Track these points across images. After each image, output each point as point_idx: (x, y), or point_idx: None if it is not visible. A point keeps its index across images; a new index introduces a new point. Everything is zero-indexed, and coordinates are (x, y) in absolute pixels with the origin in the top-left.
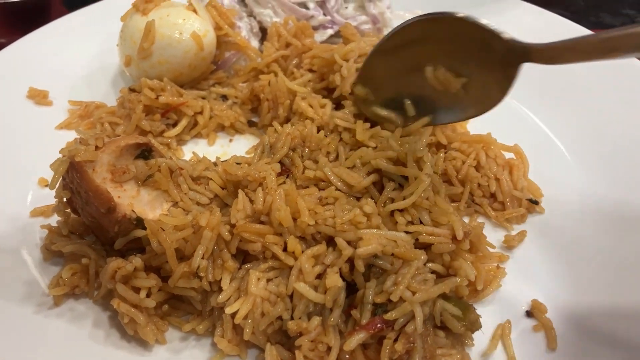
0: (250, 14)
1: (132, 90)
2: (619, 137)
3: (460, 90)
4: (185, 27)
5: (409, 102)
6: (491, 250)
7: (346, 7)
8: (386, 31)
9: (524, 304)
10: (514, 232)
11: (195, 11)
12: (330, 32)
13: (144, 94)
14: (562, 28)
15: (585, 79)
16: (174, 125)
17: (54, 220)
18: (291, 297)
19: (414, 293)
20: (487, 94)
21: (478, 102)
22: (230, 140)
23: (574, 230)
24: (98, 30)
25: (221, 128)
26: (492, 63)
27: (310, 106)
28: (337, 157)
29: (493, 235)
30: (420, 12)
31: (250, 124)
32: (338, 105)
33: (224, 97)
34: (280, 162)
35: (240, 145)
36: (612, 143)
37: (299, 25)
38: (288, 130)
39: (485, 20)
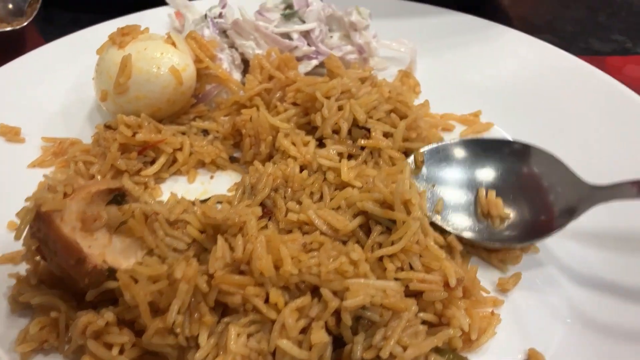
0: (232, 45)
1: (107, 127)
2: (617, 172)
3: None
4: (163, 62)
5: (441, 199)
6: (485, 295)
7: (331, 37)
8: (372, 61)
9: (521, 353)
10: (508, 274)
11: (174, 44)
12: (314, 62)
13: (120, 132)
14: (551, 56)
15: (579, 113)
16: (152, 162)
17: (24, 267)
18: (274, 353)
19: (405, 348)
20: (530, 229)
21: (516, 234)
22: (211, 177)
23: (570, 271)
24: (75, 62)
25: (202, 164)
26: (555, 202)
27: (293, 144)
28: (321, 198)
29: (486, 277)
30: (406, 42)
31: (232, 159)
32: (321, 142)
33: (205, 132)
34: (262, 203)
35: (222, 182)
36: (608, 178)
37: (282, 57)
38: (270, 171)
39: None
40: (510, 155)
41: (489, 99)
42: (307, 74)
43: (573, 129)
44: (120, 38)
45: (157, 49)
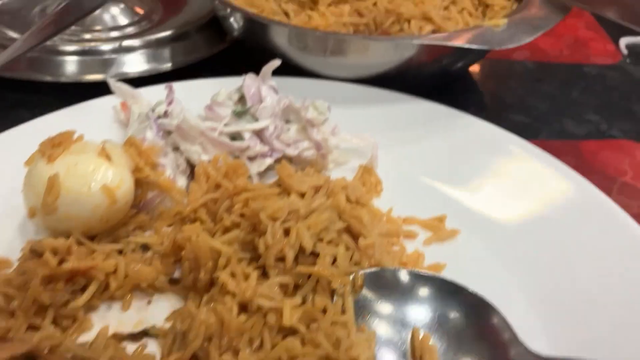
0: (177, 148)
1: (33, 251)
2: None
3: None
4: (95, 179)
5: (374, 332)
6: None
7: (288, 129)
8: (330, 157)
9: None
10: None
11: (108, 156)
12: (269, 161)
13: (44, 261)
14: (523, 154)
15: (552, 222)
16: (83, 289)
17: None
18: None
19: None
20: None
21: None
22: (149, 302)
23: None
24: (7, 164)
25: (139, 287)
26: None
27: (233, 275)
28: (262, 344)
29: None
30: (367, 136)
31: (173, 281)
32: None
33: (145, 247)
34: (194, 355)
35: (160, 308)
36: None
37: (230, 164)
38: (202, 317)
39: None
40: (456, 302)
41: (456, 200)
42: (260, 173)
43: (545, 238)
44: (50, 150)
45: (89, 164)
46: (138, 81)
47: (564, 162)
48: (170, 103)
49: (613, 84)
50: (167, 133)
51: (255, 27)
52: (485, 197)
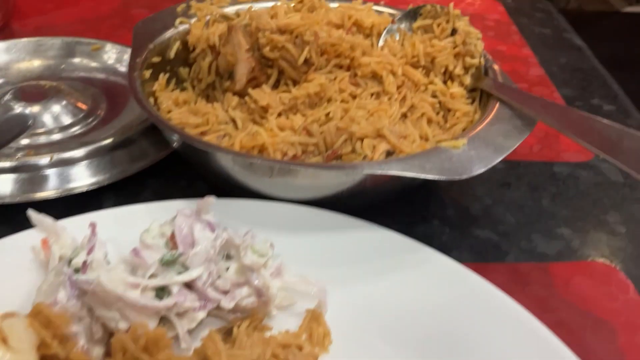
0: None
1: None
2: None
3: None
4: None
5: None
6: None
7: (227, 268)
8: (272, 304)
9: None
10: None
11: (5, 339)
12: (201, 315)
13: None
14: (488, 297)
15: None
16: None
17: None
18: None
19: None
20: None
21: None
22: None
23: None
24: None
25: None
26: None
27: None
28: None
29: None
30: (314, 281)
31: None
32: None
33: None
34: None
35: None
36: None
37: (150, 335)
38: None
39: None
40: None
41: (414, 352)
42: (191, 331)
43: None
44: None
45: None
46: (78, 195)
47: (532, 290)
48: (90, 251)
49: (585, 187)
50: (85, 293)
51: (193, 148)
52: (447, 349)
